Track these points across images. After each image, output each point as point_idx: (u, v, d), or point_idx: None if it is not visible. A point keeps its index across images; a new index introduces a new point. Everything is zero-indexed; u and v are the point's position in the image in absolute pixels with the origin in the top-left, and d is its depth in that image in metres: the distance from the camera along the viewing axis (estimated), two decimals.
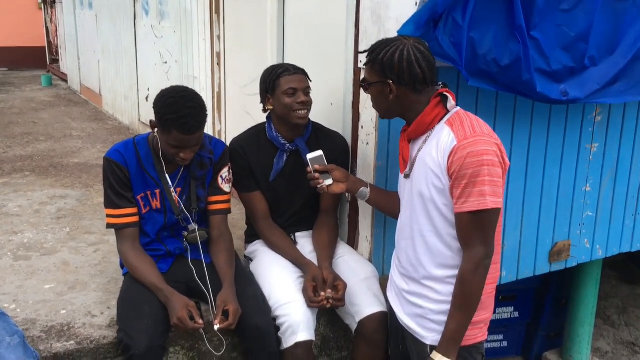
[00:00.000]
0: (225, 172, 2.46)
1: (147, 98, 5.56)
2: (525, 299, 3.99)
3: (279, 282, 2.38)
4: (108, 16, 6.36)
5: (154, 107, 2.19)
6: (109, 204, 2.31)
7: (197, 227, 2.40)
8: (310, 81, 2.51)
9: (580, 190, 3.02)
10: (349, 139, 2.65)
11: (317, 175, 2.29)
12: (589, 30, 2.31)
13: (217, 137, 4.05)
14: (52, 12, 9.54)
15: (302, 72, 2.48)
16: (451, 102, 1.96)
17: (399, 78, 1.92)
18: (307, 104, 2.46)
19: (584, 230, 3.11)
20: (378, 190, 2.39)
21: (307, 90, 2.47)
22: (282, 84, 2.43)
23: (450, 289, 1.94)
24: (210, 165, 2.40)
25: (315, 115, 2.75)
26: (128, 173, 2.29)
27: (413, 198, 2.00)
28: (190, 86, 4.30)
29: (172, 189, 2.34)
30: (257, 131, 2.62)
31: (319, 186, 2.30)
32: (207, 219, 2.48)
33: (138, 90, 5.75)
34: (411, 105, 1.97)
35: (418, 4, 2.13)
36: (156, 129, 2.23)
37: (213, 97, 4.08)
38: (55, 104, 7.45)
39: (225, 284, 2.25)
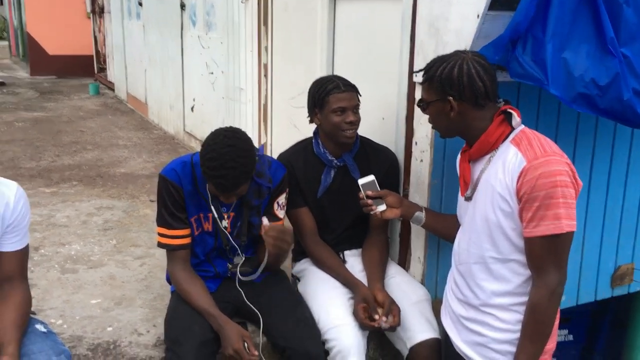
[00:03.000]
0: (282, 199, 2.36)
1: (192, 108, 5.57)
2: (580, 321, 3.81)
3: (329, 303, 2.29)
4: (155, 27, 6.42)
5: (200, 150, 2.10)
6: (162, 222, 2.24)
7: (242, 259, 2.32)
8: (360, 96, 2.43)
9: None
10: (401, 155, 2.56)
11: (369, 201, 2.22)
12: None
13: (262, 149, 4.02)
14: (100, 22, 9.72)
15: (352, 89, 2.39)
16: (516, 119, 1.86)
17: (460, 93, 1.83)
18: (356, 123, 2.38)
19: None
20: (434, 214, 2.29)
21: (356, 109, 2.39)
22: (331, 101, 2.35)
23: (515, 316, 1.84)
24: (267, 194, 2.30)
25: (367, 130, 2.67)
26: (183, 194, 2.21)
27: (476, 222, 1.89)
28: (236, 97, 4.34)
29: (223, 221, 2.26)
30: (303, 146, 2.55)
31: (372, 212, 2.23)
32: (258, 243, 2.39)
33: (184, 100, 5.77)
34: (473, 123, 1.87)
35: (480, 16, 2.03)
36: None
37: (259, 109, 4.04)
38: (102, 112, 7.56)
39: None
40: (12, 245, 1.89)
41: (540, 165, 1.71)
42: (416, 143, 2.44)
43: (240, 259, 2.32)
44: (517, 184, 1.75)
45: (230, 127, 2.12)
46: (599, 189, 2.68)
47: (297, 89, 3.53)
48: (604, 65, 1.99)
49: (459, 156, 2.04)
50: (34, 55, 11.30)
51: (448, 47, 2.16)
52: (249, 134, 4.33)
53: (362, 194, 2.24)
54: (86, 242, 3.31)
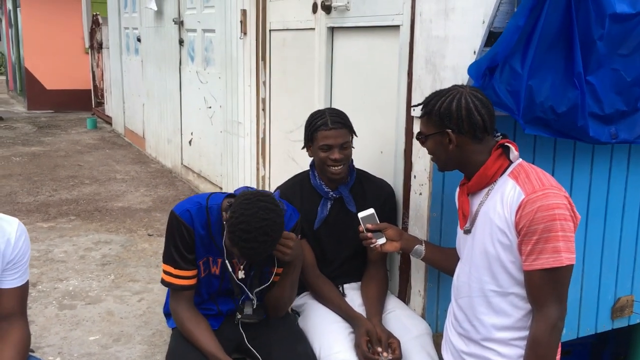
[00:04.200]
0: None
1: (190, 142, 5.60)
2: (581, 354, 3.78)
3: (330, 338, 2.27)
4: (154, 62, 6.49)
5: (229, 217, 2.00)
6: (170, 260, 2.18)
7: (253, 309, 2.25)
8: (353, 133, 2.45)
9: None
10: (400, 188, 2.58)
11: (369, 234, 2.22)
12: None
13: (260, 182, 4.04)
14: (98, 57, 9.81)
15: (341, 127, 2.38)
16: (514, 152, 1.89)
17: (459, 127, 1.86)
18: (341, 161, 2.38)
19: None
20: (434, 247, 2.29)
21: (344, 146, 2.38)
22: (318, 138, 2.38)
23: (516, 351, 1.83)
24: None
25: (365, 163, 2.70)
26: (194, 236, 2.16)
27: (474, 254, 1.90)
28: (234, 131, 4.37)
29: (240, 272, 2.21)
30: (301, 178, 2.57)
31: (372, 245, 2.23)
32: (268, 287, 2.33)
33: (181, 134, 5.81)
34: (472, 156, 1.90)
35: (476, 53, 2.07)
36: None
37: (257, 143, 4.07)
38: (100, 146, 7.59)
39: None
40: (12, 282, 1.88)
41: (538, 198, 1.73)
42: (415, 176, 2.46)
43: (250, 309, 2.25)
44: (515, 217, 1.76)
45: (263, 195, 2.02)
46: (597, 221, 2.69)
47: (295, 123, 3.56)
48: (565, 96, 2.09)
49: (457, 189, 2.06)
50: (31, 89, 11.36)
51: (445, 83, 2.20)
52: (247, 168, 4.38)
53: (361, 227, 2.24)
54: (84, 278, 3.29)
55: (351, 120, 2.82)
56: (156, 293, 3.05)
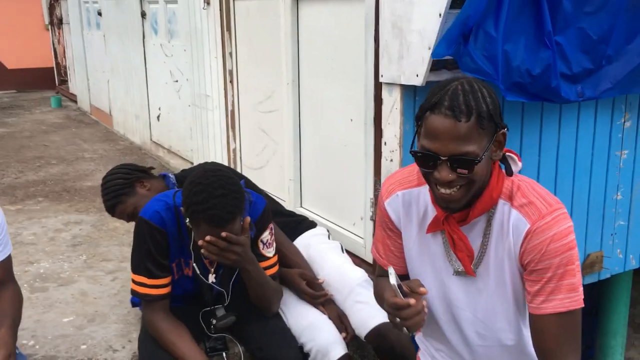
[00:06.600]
0: (266, 236, 2.13)
1: (158, 117, 5.51)
2: None
3: (297, 308, 2.29)
4: (116, 36, 6.33)
5: (182, 194, 1.90)
6: (142, 270, 2.01)
7: (224, 312, 2.17)
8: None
9: (611, 199, 2.91)
10: (371, 156, 2.57)
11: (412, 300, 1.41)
12: (611, 31, 2.24)
13: (232, 155, 4.00)
14: (59, 33, 9.53)
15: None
16: (518, 165, 1.47)
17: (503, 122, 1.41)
18: None
19: (616, 240, 3.00)
20: None
21: None
22: None
23: None
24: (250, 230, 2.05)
25: (335, 132, 2.68)
26: (168, 238, 2.00)
27: (488, 300, 1.52)
28: (203, 104, 4.30)
29: (210, 275, 2.11)
30: None
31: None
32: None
33: (149, 110, 5.70)
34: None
35: (442, 15, 2.04)
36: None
37: (227, 116, 4.01)
38: (66, 125, 7.42)
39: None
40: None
41: (548, 226, 1.36)
42: (385, 143, 2.45)
43: (222, 311, 2.17)
44: (520, 249, 1.41)
45: (210, 162, 2.04)
46: (566, 180, 2.72)
47: (264, 94, 3.52)
48: (538, 57, 2.09)
49: (427, 228, 1.55)
50: None
51: (412, 47, 2.18)
52: (218, 141, 4.32)
53: (398, 294, 1.44)
54: (55, 259, 3.24)
55: (320, 88, 2.79)
56: (129, 271, 3.00)
